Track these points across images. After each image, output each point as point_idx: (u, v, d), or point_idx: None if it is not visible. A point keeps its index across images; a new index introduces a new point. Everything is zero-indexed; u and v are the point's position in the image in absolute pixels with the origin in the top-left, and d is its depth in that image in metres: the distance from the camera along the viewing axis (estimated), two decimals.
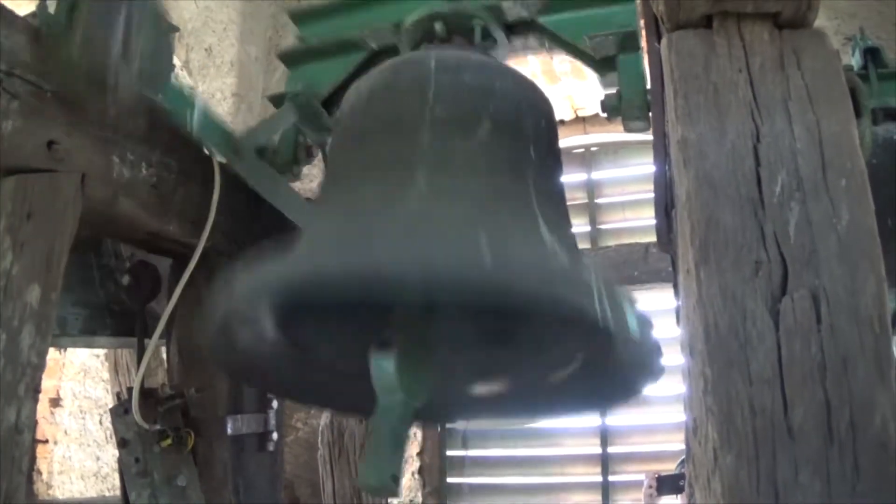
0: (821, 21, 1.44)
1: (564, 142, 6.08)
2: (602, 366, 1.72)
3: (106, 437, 5.86)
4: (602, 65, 2.26)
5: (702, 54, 1.35)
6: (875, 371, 1.15)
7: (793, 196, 1.24)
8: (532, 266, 1.50)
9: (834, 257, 1.20)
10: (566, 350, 1.79)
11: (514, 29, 2.31)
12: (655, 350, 1.69)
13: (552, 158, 2.03)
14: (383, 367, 1.63)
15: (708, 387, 1.16)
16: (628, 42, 2.10)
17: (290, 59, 2.58)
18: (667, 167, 1.54)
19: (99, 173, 1.96)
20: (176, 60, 5.16)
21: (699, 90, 1.32)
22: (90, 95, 1.91)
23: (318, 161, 2.64)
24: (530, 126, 1.93)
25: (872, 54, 2.98)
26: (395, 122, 1.89)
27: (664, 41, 1.41)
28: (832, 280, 1.19)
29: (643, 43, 1.96)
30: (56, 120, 1.84)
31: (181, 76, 5.30)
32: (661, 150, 1.54)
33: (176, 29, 2.64)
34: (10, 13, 1.75)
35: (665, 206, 1.53)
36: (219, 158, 2.37)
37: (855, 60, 3.06)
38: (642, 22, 1.95)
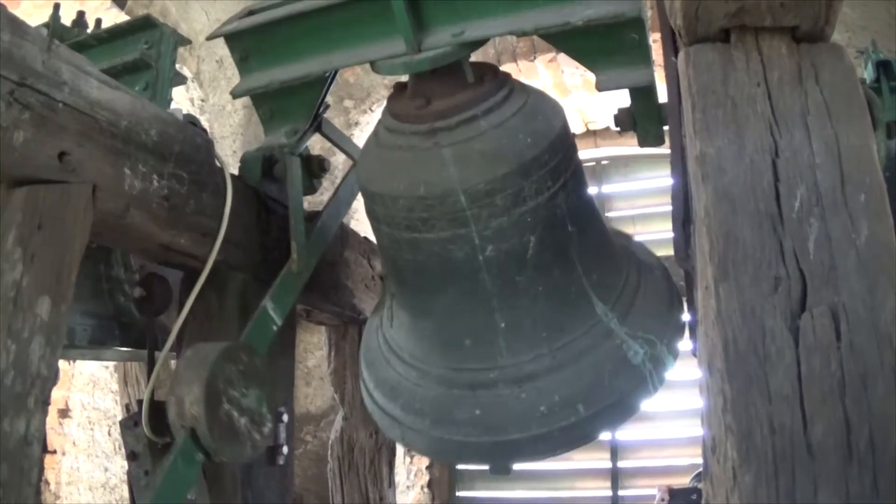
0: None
1: None
2: None
3: (114, 449, 5.84)
4: None
5: (720, 68, 1.34)
6: (895, 387, 1.14)
7: (812, 211, 1.22)
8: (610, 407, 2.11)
9: (853, 273, 1.19)
10: None
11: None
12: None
13: (580, 186, 2.19)
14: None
15: (727, 405, 1.15)
16: None
17: (254, 97, 2.40)
18: (684, 181, 1.53)
19: (110, 185, 1.95)
20: (187, 72, 5.20)
21: (717, 104, 1.31)
22: None
23: None
24: (560, 174, 2.05)
25: (885, 67, 2.97)
26: (447, 258, 2.09)
27: (682, 55, 1.40)
28: (851, 296, 1.18)
29: (654, 56, 1.94)
30: (68, 131, 1.83)
31: (191, 88, 5.30)
32: (678, 163, 1.53)
33: (188, 41, 2.65)
34: (23, 23, 1.75)
35: (682, 219, 1.52)
36: (230, 171, 2.37)
37: (867, 73, 3.05)
38: (653, 34, 1.94)
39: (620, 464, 5.61)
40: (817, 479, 1.11)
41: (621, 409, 2.14)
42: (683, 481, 4.31)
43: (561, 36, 1.89)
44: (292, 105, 2.35)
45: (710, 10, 1.34)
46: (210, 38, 2.30)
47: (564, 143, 2.11)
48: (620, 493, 5.57)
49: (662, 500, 4.27)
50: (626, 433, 5.60)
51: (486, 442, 2.15)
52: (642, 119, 2.01)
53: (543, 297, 2.10)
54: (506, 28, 1.93)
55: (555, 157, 2.04)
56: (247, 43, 2.28)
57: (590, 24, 1.81)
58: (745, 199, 1.24)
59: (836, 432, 1.12)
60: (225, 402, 2.00)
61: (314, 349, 5.23)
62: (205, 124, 5.19)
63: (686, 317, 2.25)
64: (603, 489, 5.61)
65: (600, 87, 1.89)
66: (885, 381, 1.14)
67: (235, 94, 2.38)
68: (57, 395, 5.85)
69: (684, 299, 2.28)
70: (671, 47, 1.49)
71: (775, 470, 1.11)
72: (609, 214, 6.03)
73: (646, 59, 1.83)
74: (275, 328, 2.30)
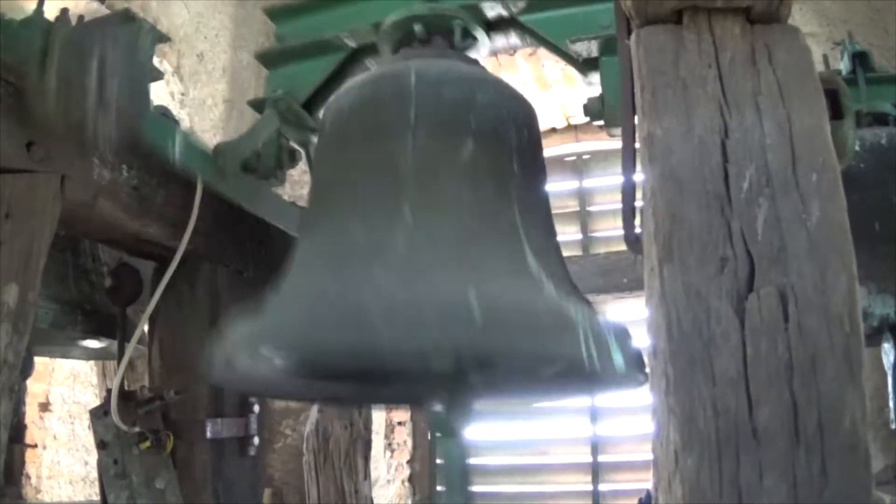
0: (812, 27, 1.43)
1: (556, 149, 6.09)
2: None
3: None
4: (585, 66, 2.26)
5: (671, 49, 1.32)
6: (845, 371, 1.13)
7: (762, 192, 1.21)
8: (521, 321, 1.57)
9: (803, 254, 1.18)
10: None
11: (495, 27, 2.32)
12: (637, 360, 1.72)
13: (536, 169, 2.05)
14: (439, 420, 1.86)
15: (670, 386, 1.14)
16: (611, 43, 2.09)
17: (269, 60, 2.58)
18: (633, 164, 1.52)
19: (79, 175, 1.95)
20: (167, 66, 5.19)
21: (667, 85, 1.29)
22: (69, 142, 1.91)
23: (304, 164, 2.63)
24: (513, 137, 1.97)
25: (861, 58, 2.99)
26: (378, 145, 1.92)
27: (633, 37, 1.38)
28: (801, 277, 1.17)
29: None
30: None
31: (171, 82, 5.29)
32: (629, 138, 1.52)
33: (167, 39, 2.65)
34: None
35: (632, 202, 1.51)
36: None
37: (843, 64, 3.06)
38: None
39: (601, 458, 5.63)
40: (763, 463, 1.09)
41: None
42: None
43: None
44: (299, 74, 2.53)
45: None
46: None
47: (527, 118, 2.10)
48: (601, 487, 5.58)
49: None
50: (606, 428, 5.62)
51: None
52: (611, 104, 2.05)
53: (468, 207, 1.88)
54: None
55: (512, 114, 2.02)
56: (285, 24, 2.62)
57: None
58: (692, 180, 1.22)
59: (782, 416, 1.11)
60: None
61: None
62: (185, 118, 5.20)
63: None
64: (584, 483, 5.63)
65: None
66: (835, 363, 1.13)
67: (258, 55, 2.69)
68: (37, 388, 5.84)
69: None
70: (625, 30, 1.48)
71: (719, 454, 1.10)
72: (590, 209, 6.04)
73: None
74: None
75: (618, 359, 1.58)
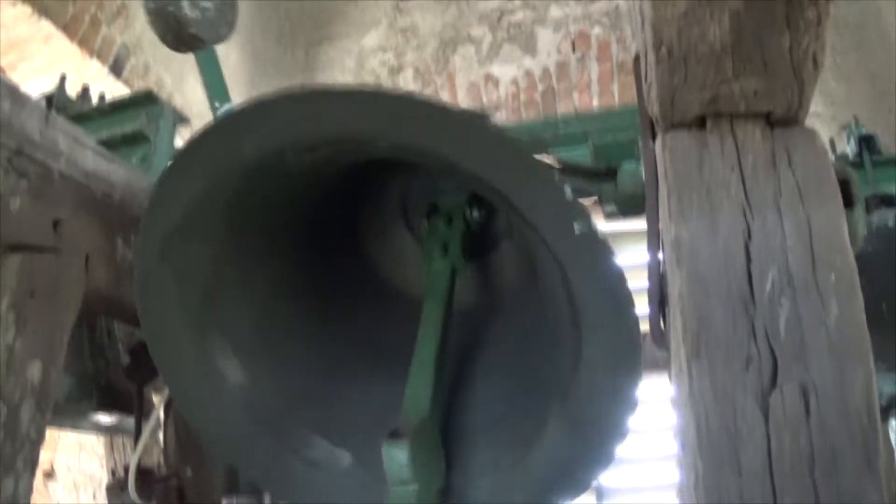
0: (816, 107, 1.48)
1: None
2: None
3: None
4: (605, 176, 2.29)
5: (695, 154, 1.38)
6: (863, 462, 1.17)
7: (783, 292, 1.26)
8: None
9: (823, 352, 1.23)
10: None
11: None
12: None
13: None
14: (396, 457, 1.61)
15: (699, 480, 1.18)
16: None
17: None
18: (658, 261, 1.57)
19: (103, 255, 1.98)
20: (179, 143, 5.25)
21: (692, 189, 1.35)
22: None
23: None
24: None
25: (867, 142, 3.04)
26: None
27: (658, 140, 1.44)
28: (821, 374, 1.21)
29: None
30: (63, 200, 1.86)
31: None
32: (654, 242, 1.57)
33: (187, 120, 2.71)
34: (22, 94, 1.79)
35: (658, 299, 1.55)
36: None
37: (850, 148, 3.11)
38: None
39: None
40: None
41: None
42: None
43: None
44: None
45: (686, 98, 1.38)
46: None
47: None
48: None
49: None
50: (611, 477, 5.61)
51: None
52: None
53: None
54: None
55: None
56: None
57: None
58: (717, 281, 1.27)
59: None
60: None
61: None
62: None
63: None
64: None
65: None
66: (854, 456, 1.17)
67: None
68: (43, 456, 5.70)
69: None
70: (649, 132, 1.54)
71: None
72: None
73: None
74: None
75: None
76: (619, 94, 6.54)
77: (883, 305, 2.37)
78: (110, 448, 3.77)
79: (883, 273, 2.46)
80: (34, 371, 1.76)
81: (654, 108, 1.43)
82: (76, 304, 1.90)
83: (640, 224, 1.97)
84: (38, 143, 1.81)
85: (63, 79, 2.75)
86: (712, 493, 1.17)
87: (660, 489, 5.39)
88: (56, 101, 2.65)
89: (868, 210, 2.56)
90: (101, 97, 2.87)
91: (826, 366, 1.22)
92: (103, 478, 5.57)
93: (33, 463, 1.77)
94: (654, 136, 1.50)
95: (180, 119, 2.56)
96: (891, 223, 2.66)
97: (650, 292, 1.56)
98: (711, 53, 1.33)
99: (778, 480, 1.17)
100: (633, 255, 5.89)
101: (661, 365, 2.01)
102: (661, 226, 1.47)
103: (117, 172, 2.03)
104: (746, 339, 1.24)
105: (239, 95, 5.54)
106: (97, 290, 1.98)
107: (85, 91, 2.83)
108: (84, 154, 1.94)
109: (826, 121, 4.42)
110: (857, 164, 2.97)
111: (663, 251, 1.45)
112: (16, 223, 1.75)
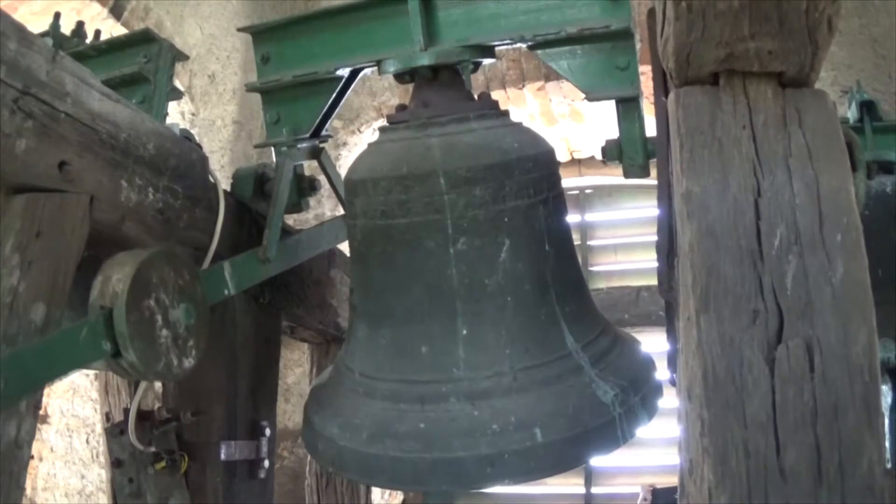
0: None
1: None
2: None
3: (92, 457, 5.83)
4: None
5: (708, 110, 1.39)
6: (864, 417, 1.20)
7: (790, 249, 1.28)
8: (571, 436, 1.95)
9: (828, 309, 1.25)
10: None
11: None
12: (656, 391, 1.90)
13: (563, 227, 2.23)
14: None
15: (705, 429, 1.21)
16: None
17: (263, 92, 2.56)
18: (670, 214, 1.58)
19: (107, 196, 1.97)
20: (179, 84, 5.23)
21: (704, 145, 1.36)
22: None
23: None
24: (543, 212, 2.11)
25: (868, 107, 3.03)
26: (417, 250, 2.11)
27: (672, 96, 1.45)
28: (825, 330, 1.24)
29: (641, 91, 2.01)
30: (68, 141, 1.85)
31: (183, 102, 5.32)
32: (664, 197, 1.58)
33: (186, 57, 2.68)
34: (29, 33, 1.76)
35: (667, 251, 1.57)
36: (223, 186, 2.40)
37: (851, 113, 3.11)
38: (643, 70, 2.00)
39: (594, 489, 5.64)
40: (789, 501, 1.17)
41: (584, 444, 1.97)
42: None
43: (556, 49, 2.10)
44: (299, 110, 2.49)
45: (701, 55, 1.39)
46: (240, 30, 2.53)
47: (550, 165, 2.18)
48: (593, 490, 5.63)
49: (645, 499, 4.32)
50: (600, 459, 5.64)
51: (426, 459, 1.99)
52: (629, 150, 2.08)
53: (511, 309, 2.05)
54: (507, 36, 2.13)
55: (538, 170, 2.10)
56: (269, 44, 2.48)
57: (583, 32, 2.00)
58: (727, 235, 1.29)
59: (807, 458, 1.18)
60: (152, 299, 1.89)
61: (294, 366, 5.26)
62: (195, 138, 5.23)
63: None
64: (576, 486, 5.66)
65: (590, 97, 2.06)
66: (855, 411, 1.20)
67: (249, 88, 2.55)
68: None
69: (665, 330, 2.28)
70: (662, 87, 1.54)
71: (749, 492, 1.18)
72: (591, 243, 6.08)
73: (633, 79, 1.94)
74: (225, 292, 2.22)
75: (644, 421, 1.82)
76: None
77: (879, 272, 2.38)
78: (105, 392, 3.78)
79: (879, 239, 2.47)
80: (37, 313, 1.76)
81: (668, 63, 1.44)
82: (80, 246, 1.89)
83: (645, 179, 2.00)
84: (44, 83, 1.79)
85: (57, 16, 2.68)
86: (717, 443, 1.20)
87: (650, 472, 5.43)
88: (55, 40, 2.59)
89: (869, 175, 2.57)
90: (97, 35, 2.80)
91: (830, 323, 1.25)
92: (96, 422, 5.61)
93: (35, 406, 1.77)
94: (666, 92, 1.51)
95: (178, 55, 2.52)
96: (889, 189, 2.67)
97: (659, 245, 1.57)
98: (729, 10, 1.33)
99: (781, 432, 1.20)
100: (638, 210, 5.95)
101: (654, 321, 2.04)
102: (671, 179, 1.48)
103: (122, 113, 2.01)
104: (754, 294, 1.26)
105: (239, 39, 5.55)
106: (101, 232, 1.98)
107: (80, 28, 2.75)
108: (90, 95, 1.92)
109: (826, 84, 4.41)
110: (858, 128, 2.97)
111: (672, 205, 1.46)
112: (21, 164, 1.74)
